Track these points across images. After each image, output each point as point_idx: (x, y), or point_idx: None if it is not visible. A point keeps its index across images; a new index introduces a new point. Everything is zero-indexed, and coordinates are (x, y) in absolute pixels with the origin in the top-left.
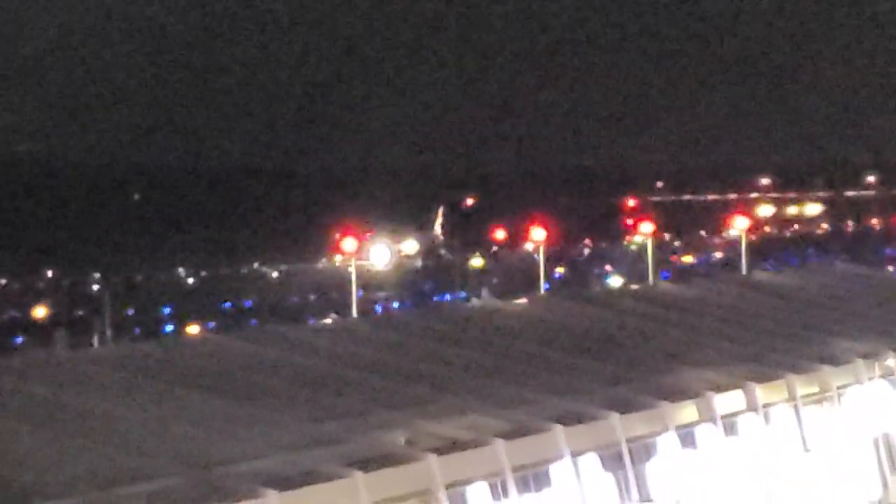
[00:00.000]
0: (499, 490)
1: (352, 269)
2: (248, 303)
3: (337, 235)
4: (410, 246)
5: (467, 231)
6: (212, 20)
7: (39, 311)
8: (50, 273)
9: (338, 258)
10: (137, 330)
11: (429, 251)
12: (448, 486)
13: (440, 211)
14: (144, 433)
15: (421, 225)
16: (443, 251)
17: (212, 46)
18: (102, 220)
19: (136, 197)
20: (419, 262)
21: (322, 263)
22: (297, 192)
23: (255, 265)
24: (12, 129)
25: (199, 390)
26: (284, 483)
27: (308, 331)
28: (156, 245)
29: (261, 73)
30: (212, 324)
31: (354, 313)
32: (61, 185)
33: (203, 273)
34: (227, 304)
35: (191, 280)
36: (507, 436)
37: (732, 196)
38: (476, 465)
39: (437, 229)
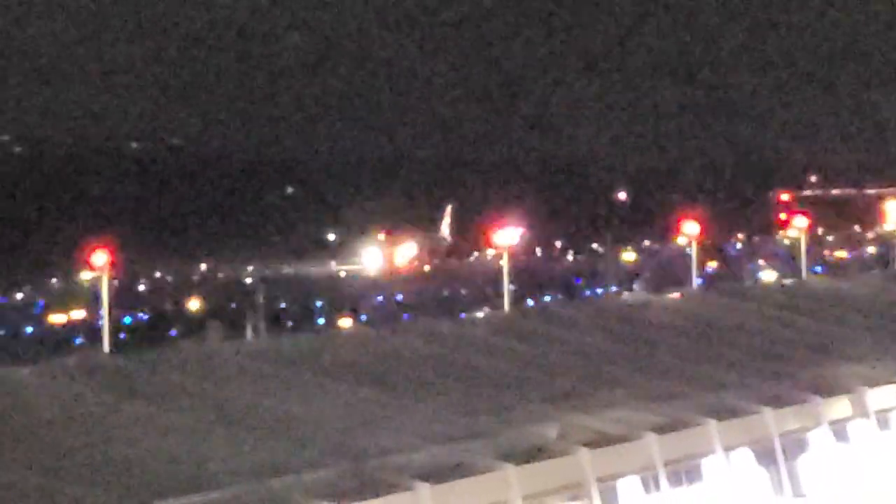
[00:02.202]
0: (650, 484)
1: (503, 263)
2: (400, 296)
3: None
4: (408, 248)
5: (621, 225)
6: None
7: (193, 304)
8: (204, 266)
9: (489, 252)
10: (290, 323)
11: (432, 252)
12: (599, 480)
13: (448, 210)
14: (298, 425)
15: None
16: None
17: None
18: (256, 213)
19: (290, 190)
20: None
21: (474, 257)
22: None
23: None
24: (167, 123)
25: (351, 383)
26: (436, 476)
27: (460, 324)
28: (309, 238)
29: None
30: (364, 317)
31: (507, 307)
32: (216, 178)
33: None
34: (379, 298)
35: (343, 273)
36: (660, 430)
37: (887, 190)
38: (627, 458)
39: (445, 230)
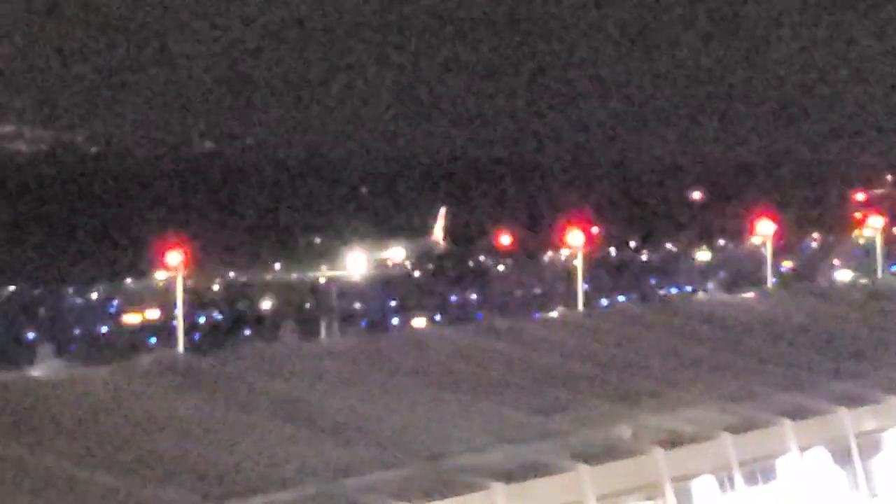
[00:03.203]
0: (725, 484)
1: (577, 262)
2: (475, 296)
3: (563, 228)
4: (395, 253)
5: (696, 224)
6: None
7: (267, 304)
8: (278, 266)
9: (563, 252)
10: (364, 322)
11: (425, 258)
12: (674, 480)
13: (442, 213)
14: (372, 425)
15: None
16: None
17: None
18: (329, 213)
19: (364, 191)
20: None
21: (547, 256)
22: (515, 181)
23: (481, 258)
24: (244, 125)
25: (425, 383)
26: (510, 475)
27: (534, 324)
28: (381, 238)
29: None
30: (438, 317)
31: (580, 306)
32: (289, 178)
33: (430, 266)
34: (453, 297)
35: (416, 273)
36: (734, 430)
37: None
38: (702, 458)
39: (438, 233)
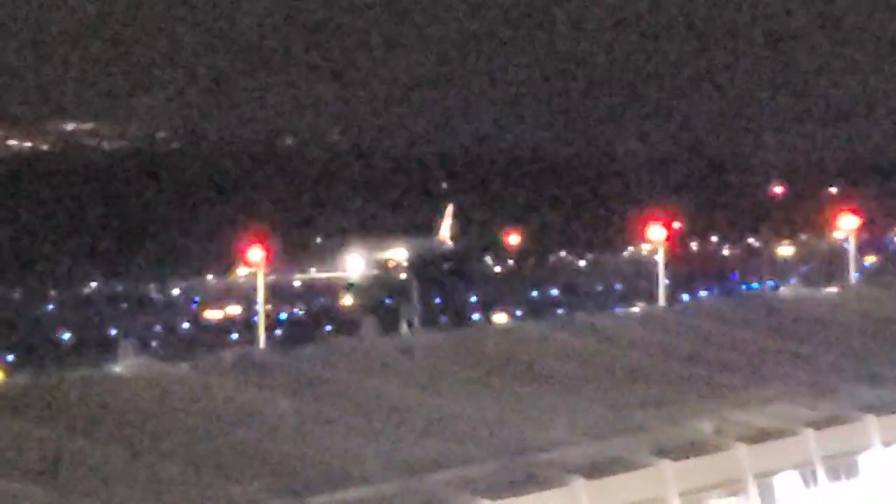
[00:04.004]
0: (808, 479)
1: (658, 258)
2: (555, 291)
3: (645, 224)
4: (398, 253)
5: (778, 219)
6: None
7: (347, 300)
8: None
9: (644, 247)
10: (444, 318)
11: (431, 257)
12: (756, 476)
13: (449, 211)
14: (454, 420)
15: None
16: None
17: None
18: (410, 209)
19: (444, 186)
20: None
21: (628, 252)
22: (591, 180)
23: (562, 254)
24: (324, 122)
25: (507, 378)
26: (593, 471)
27: (615, 319)
28: (461, 234)
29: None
30: (519, 312)
31: (661, 302)
32: (370, 175)
33: (510, 262)
34: (534, 293)
35: (497, 269)
36: (817, 425)
37: None
38: (784, 454)
39: (445, 231)
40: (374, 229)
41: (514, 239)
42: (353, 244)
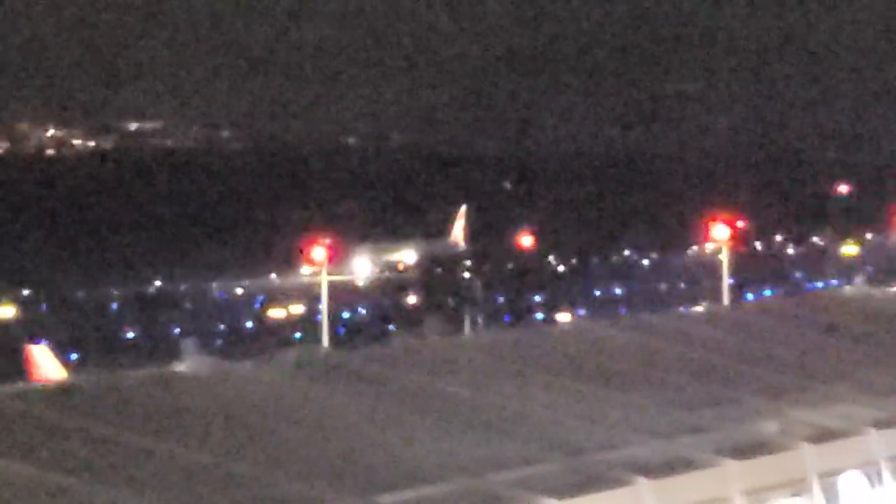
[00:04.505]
0: (873, 479)
1: (722, 257)
2: (619, 290)
3: (708, 223)
4: (405, 256)
5: (842, 218)
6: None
7: (411, 299)
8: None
9: (708, 246)
10: (507, 317)
11: (439, 261)
12: (821, 475)
13: (462, 212)
14: (517, 420)
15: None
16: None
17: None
18: (476, 207)
19: (507, 186)
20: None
21: (692, 251)
22: (665, 177)
23: (626, 252)
24: (389, 119)
25: (569, 377)
26: (656, 470)
27: (679, 318)
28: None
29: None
30: (582, 311)
31: (725, 301)
32: (432, 174)
33: (573, 261)
34: (597, 292)
35: (561, 268)
36: (882, 425)
37: None
38: (849, 454)
39: (458, 233)
40: (383, 230)
41: (526, 241)
42: (359, 246)
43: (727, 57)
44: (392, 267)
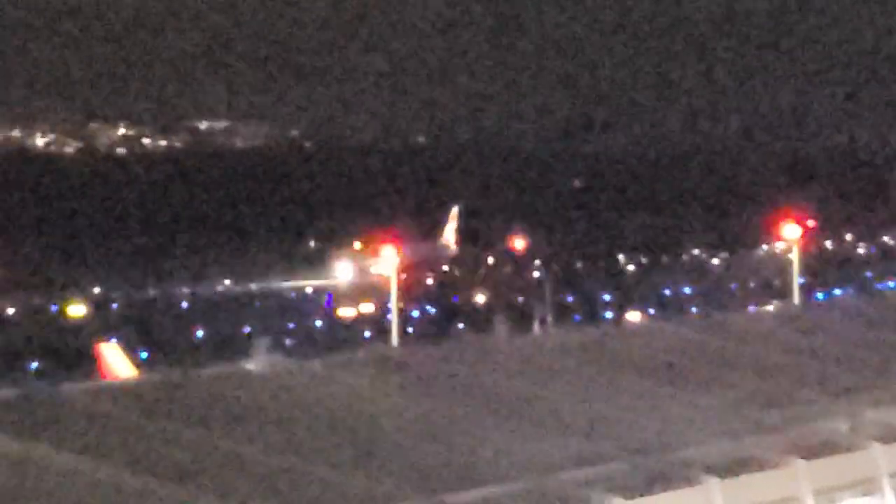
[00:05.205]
0: None
1: (793, 256)
2: (688, 289)
3: (779, 221)
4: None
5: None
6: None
7: (480, 298)
8: (491, 260)
9: (778, 245)
10: (577, 317)
11: (429, 264)
12: (892, 476)
13: (454, 213)
14: (588, 418)
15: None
16: None
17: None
18: (545, 206)
19: (577, 184)
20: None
21: (762, 250)
22: (738, 175)
23: (695, 252)
24: (458, 117)
25: (638, 376)
26: (725, 470)
27: (750, 317)
28: (595, 232)
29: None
30: (651, 311)
31: (796, 300)
32: (509, 172)
33: (643, 260)
34: (667, 291)
35: (631, 267)
36: None
37: None
38: None
39: (449, 235)
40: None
41: (519, 243)
42: (340, 249)
43: (806, 53)
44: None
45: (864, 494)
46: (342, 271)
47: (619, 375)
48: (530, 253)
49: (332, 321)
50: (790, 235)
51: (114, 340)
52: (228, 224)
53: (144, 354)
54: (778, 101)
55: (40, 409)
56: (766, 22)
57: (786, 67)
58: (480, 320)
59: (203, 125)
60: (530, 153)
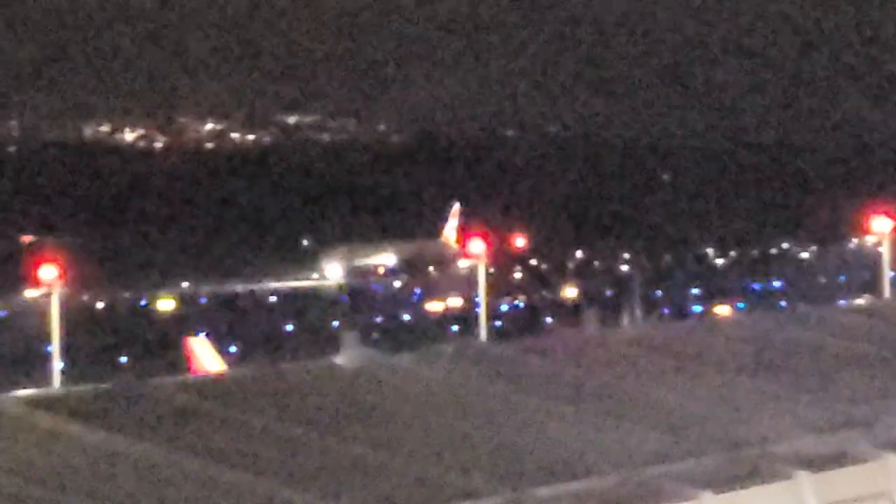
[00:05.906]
0: None
1: (883, 249)
2: (777, 283)
3: (869, 215)
4: (384, 259)
5: None
6: None
7: (570, 292)
8: (579, 254)
9: (868, 238)
10: (666, 310)
11: (427, 263)
12: None
13: (456, 209)
14: (675, 413)
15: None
16: None
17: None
18: (632, 200)
19: (666, 178)
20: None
21: (852, 244)
22: (819, 168)
23: (784, 245)
24: (545, 110)
25: (728, 370)
26: (816, 464)
27: (839, 311)
28: (685, 225)
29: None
30: (741, 305)
31: (887, 294)
32: (589, 164)
33: (732, 253)
34: (756, 285)
35: (720, 261)
36: None
37: None
38: None
39: (450, 233)
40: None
41: (519, 242)
42: (331, 250)
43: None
44: (368, 272)
45: None
46: (332, 272)
47: (707, 369)
48: (616, 246)
49: (420, 315)
50: (880, 229)
51: (203, 334)
52: (316, 216)
53: (233, 348)
54: (867, 93)
55: (129, 403)
56: (854, 15)
57: (876, 59)
58: (569, 314)
59: (291, 119)
60: (613, 145)
